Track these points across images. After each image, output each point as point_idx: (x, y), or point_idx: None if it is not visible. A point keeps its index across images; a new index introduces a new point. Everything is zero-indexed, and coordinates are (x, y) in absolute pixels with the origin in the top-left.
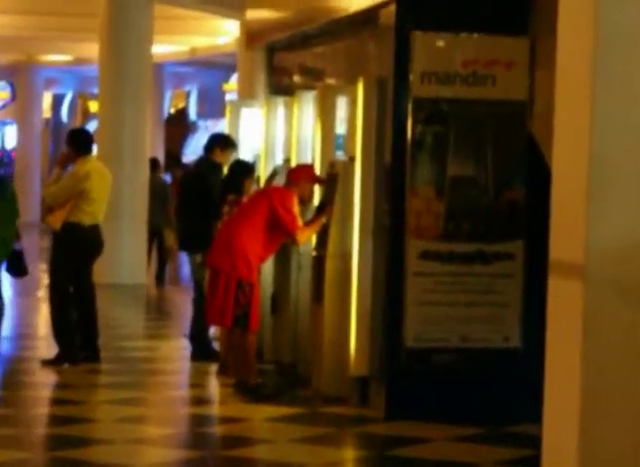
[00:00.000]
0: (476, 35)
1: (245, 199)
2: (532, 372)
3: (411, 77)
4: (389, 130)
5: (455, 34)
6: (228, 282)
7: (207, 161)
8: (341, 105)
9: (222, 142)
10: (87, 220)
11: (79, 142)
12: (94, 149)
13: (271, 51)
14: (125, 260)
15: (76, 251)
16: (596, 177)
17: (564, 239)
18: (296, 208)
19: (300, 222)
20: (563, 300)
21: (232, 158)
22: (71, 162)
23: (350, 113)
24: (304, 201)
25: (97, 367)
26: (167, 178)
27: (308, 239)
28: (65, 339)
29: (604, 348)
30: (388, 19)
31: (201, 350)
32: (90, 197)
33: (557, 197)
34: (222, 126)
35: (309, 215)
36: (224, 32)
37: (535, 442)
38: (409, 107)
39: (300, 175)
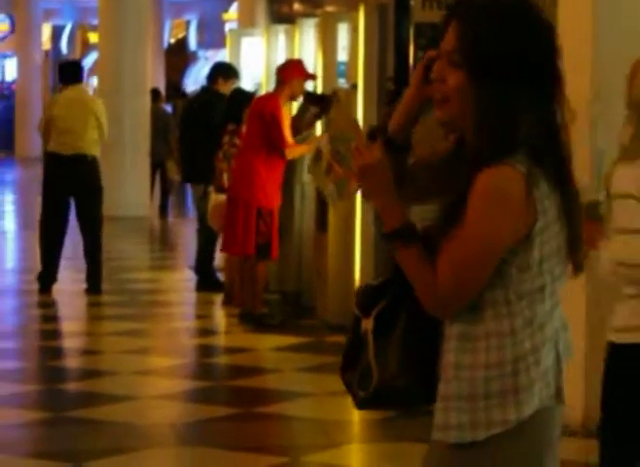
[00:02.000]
0: None
1: (244, 128)
2: None
3: (412, 2)
4: (391, 57)
5: None
6: (247, 212)
7: (210, 91)
8: (343, 32)
9: (224, 71)
10: (61, 149)
11: (61, 73)
12: (82, 80)
13: None
14: (128, 192)
15: (49, 180)
16: (597, 94)
17: None
18: (286, 119)
19: (289, 136)
20: None
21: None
22: None
23: (352, 40)
24: (295, 98)
25: (102, 299)
26: (169, 109)
27: (298, 156)
28: (42, 268)
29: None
30: None
31: (206, 281)
32: (56, 125)
33: None
34: (222, 56)
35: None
36: None
37: None
38: (411, 33)
39: (290, 73)
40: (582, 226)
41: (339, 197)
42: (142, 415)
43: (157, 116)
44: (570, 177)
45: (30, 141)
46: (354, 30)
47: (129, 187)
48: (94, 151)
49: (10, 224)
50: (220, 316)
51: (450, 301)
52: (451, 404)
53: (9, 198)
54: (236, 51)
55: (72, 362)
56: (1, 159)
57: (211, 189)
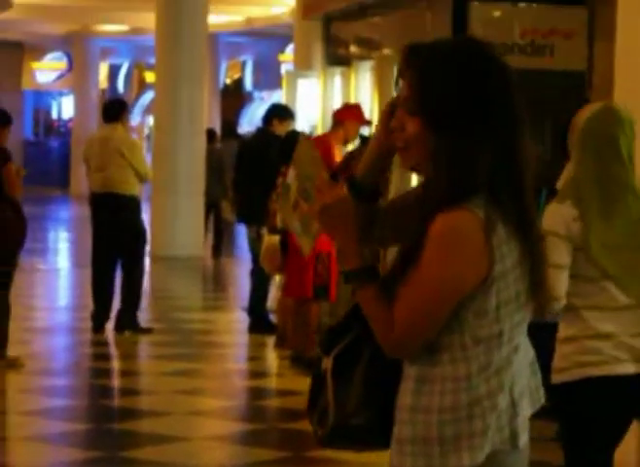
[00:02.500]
0: (534, 5)
1: None
2: None
3: None
4: None
5: (513, 4)
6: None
7: (265, 133)
8: None
9: (280, 113)
10: (94, 188)
11: (103, 111)
12: (118, 118)
13: (328, 21)
14: (182, 232)
15: (93, 218)
16: None
17: None
18: (337, 157)
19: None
20: None
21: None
22: None
23: None
24: (348, 141)
25: (155, 338)
26: (223, 149)
27: None
28: (94, 307)
29: None
30: None
31: (259, 323)
32: (89, 164)
33: None
34: (278, 97)
35: None
36: (279, 2)
37: None
38: None
39: (345, 114)
40: (545, 270)
41: (304, 234)
42: (193, 457)
43: (212, 156)
44: (532, 222)
45: (85, 179)
46: None
47: (183, 226)
48: (125, 189)
49: (64, 261)
50: (272, 358)
51: (405, 342)
52: (406, 447)
53: (63, 236)
54: (292, 92)
55: (123, 401)
56: (56, 196)
57: (264, 230)
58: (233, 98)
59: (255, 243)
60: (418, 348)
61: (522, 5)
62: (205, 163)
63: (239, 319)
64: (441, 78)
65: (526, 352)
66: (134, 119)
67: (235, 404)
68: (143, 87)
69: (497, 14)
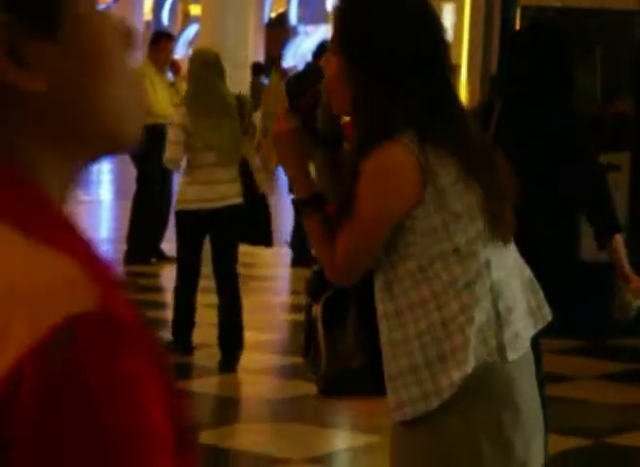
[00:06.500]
0: None
1: None
2: None
3: None
4: (496, 39)
5: None
6: None
7: (314, 68)
8: (448, 12)
9: None
10: None
11: None
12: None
13: None
14: None
15: None
16: None
17: None
18: None
19: None
20: None
21: None
22: None
23: (457, 20)
24: None
25: None
26: (266, 82)
27: None
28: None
29: None
30: None
31: (302, 256)
32: None
33: None
34: (322, 32)
35: None
36: None
37: None
38: (517, 15)
39: None
40: (498, 179)
41: (265, 169)
42: (234, 389)
43: (257, 89)
44: (468, 141)
45: None
46: (459, 9)
47: None
48: None
49: (106, 193)
50: None
51: (346, 270)
52: (397, 382)
53: (106, 167)
54: None
55: (164, 334)
56: None
57: None
58: (278, 32)
59: None
60: (359, 276)
61: None
62: (250, 96)
63: (282, 253)
64: (359, 22)
65: (520, 269)
66: (178, 51)
67: (277, 337)
68: (187, 19)
69: None
